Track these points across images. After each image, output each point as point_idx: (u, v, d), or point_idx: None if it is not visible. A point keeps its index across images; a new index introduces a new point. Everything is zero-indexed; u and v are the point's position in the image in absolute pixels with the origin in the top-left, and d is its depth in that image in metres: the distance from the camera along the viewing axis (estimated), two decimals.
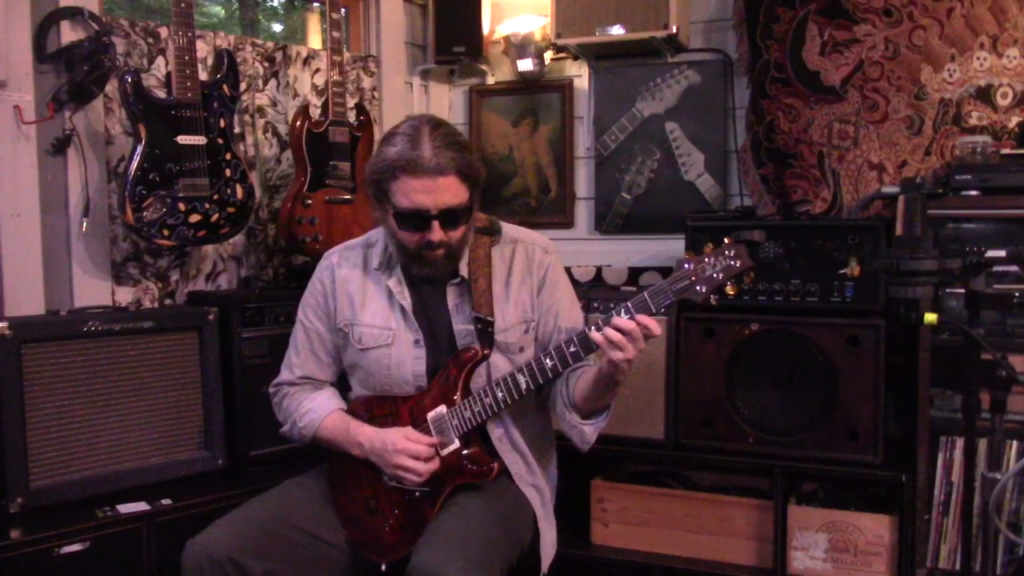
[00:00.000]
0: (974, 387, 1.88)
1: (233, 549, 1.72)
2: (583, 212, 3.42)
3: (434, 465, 1.83)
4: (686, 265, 1.69)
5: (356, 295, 1.96)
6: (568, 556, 2.03)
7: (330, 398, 2.01)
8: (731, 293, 1.69)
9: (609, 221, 3.32)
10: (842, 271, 2.51)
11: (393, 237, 1.87)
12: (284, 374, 2.06)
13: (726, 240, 1.69)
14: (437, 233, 1.78)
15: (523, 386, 1.80)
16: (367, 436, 1.88)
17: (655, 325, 1.67)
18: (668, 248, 3.20)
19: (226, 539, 1.74)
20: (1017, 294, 1.85)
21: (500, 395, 1.81)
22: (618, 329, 1.67)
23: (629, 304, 1.70)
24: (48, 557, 1.95)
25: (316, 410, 1.97)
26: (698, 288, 1.68)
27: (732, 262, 1.67)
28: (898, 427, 2.65)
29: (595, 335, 1.70)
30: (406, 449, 1.81)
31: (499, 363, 1.88)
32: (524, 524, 1.90)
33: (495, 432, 1.90)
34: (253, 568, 1.73)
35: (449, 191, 1.77)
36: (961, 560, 2.32)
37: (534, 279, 1.94)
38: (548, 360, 1.79)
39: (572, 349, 1.77)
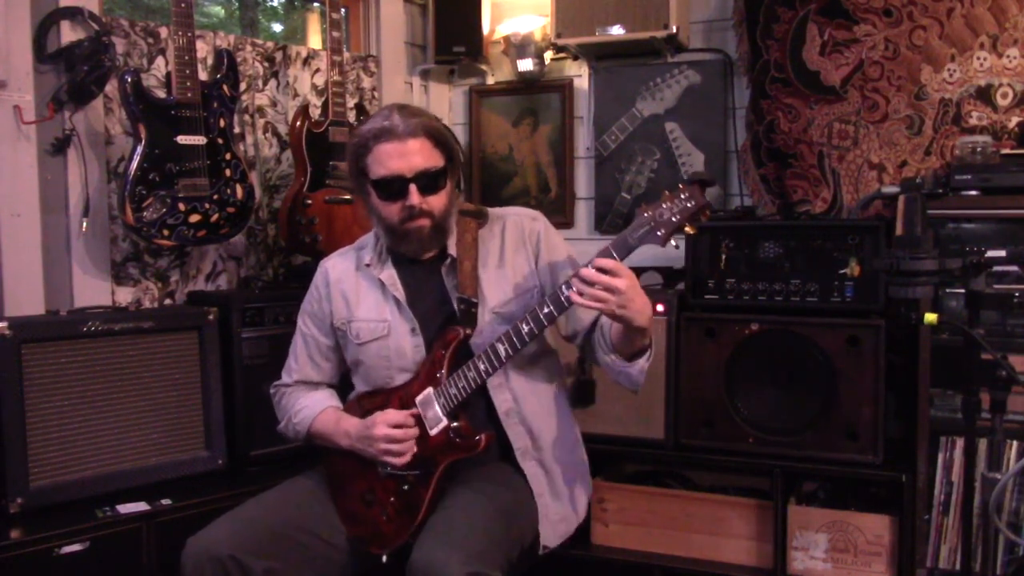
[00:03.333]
0: (974, 387, 1.88)
1: (234, 547, 1.73)
2: (583, 212, 3.42)
3: (414, 433, 1.85)
4: (645, 214, 1.73)
5: (351, 293, 2.00)
6: (568, 556, 2.03)
7: (326, 397, 2.06)
8: (691, 232, 1.74)
9: (609, 221, 3.32)
10: (842, 271, 2.51)
11: (379, 219, 1.91)
12: (283, 377, 2.11)
13: (680, 185, 1.72)
14: (415, 197, 1.83)
15: (503, 354, 1.82)
16: (353, 424, 1.93)
17: (609, 263, 1.70)
18: (668, 248, 3.18)
19: (227, 537, 1.75)
20: (1017, 294, 1.85)
21: (482, 367, 1.83)
22: (581, 280, 1.70)
23: (593, 257, 1.73)
24: (48, 557, 1.95)
25: (311, 407, 2.01)
26: (658, 233, 1.72)
27: (688, 203, 1.70)
28: (898, 427, 2.65)
29: (571, 295, 1.72)
30: (384, 419, 1.85)
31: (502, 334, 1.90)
32: (526, 519, 1.90)
33: (503, 406, 1.91)
34: (254, 566, 1.74)
35: (421, 154, 1.83)
36: (961, 560, 2.31)
37: (529, 248, 1.98)
38: (524, 325, 1.80)
39: (546, 310, 1.79)
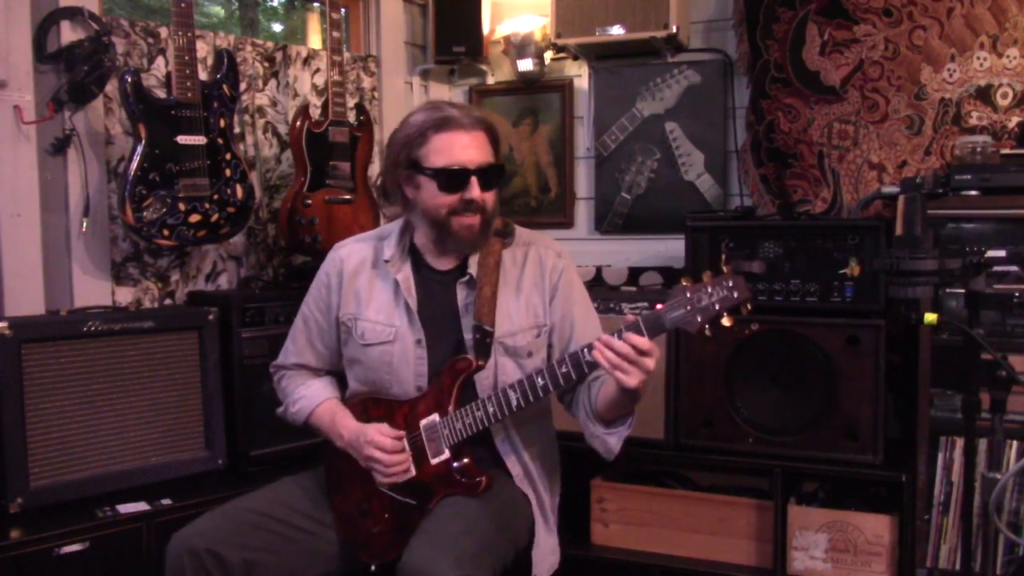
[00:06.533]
0: (974, 387, 1.88)
1: (211, 540, 1.72)
2: (583, 212, 3.42)
3: (402, 458, 1.82)
4: (684, 294, 1.64)
5: (363, 289, 1.94)
6: (568, 556, 2.02)
7: (325, 386, 2.02)
8: (727, 324, 1.63)
9: (609, 221, 3.32)
10: (842, 271, 2.51)
11: (424, 212, 1.86)
12: (280, 358, 2.07)
13: (725, 269, 1.64)
14: (475, 190, 1.80)
15: (514, 403, 1.78)
16: (348, 428, 1.89)
17: (642, 341, 1.63)
18: (668, 248, 3.20)
19: (206, 531, 1.74)
20: (1017, 294, 1.85)
21: (491, 410, 1.79)
22: (610, 348, 1.64)
23: (622, 327, 1.67)
24: (48, 557, 1.95)
25: (309, 397, 1.99)
26: (694, 319, 1.63)
27: (730, 293, 1.62)
28: (898, 427, 2.65)
29: (593, 355, 1.66)
30: (374, 441, 1.82)
31: (507, 367, 1.87)
32: (521, 524, 1.89)
33: (497, 435, 1.90)
34: (231, 557, 1.72)
35: (483, 148, 1.82)
36: (961, 560, 2.32)
37: (546, 284, 1.93)
38: (540, 379, 1.76)
39: (564, 370, 1.74)
